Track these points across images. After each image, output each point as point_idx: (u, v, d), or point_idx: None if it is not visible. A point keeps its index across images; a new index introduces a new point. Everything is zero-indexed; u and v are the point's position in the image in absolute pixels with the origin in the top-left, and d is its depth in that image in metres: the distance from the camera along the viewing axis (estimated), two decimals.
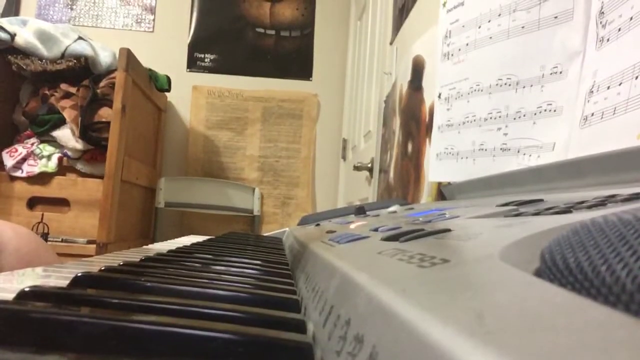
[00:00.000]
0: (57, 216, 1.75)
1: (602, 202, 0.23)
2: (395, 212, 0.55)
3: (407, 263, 0.16)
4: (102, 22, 2.43)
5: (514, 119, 0.60)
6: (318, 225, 0.68)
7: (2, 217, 1.56)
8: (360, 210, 0.64)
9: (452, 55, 0.73)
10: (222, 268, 0.33)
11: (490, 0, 0.65)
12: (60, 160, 1.78)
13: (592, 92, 0.47)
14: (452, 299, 0.10)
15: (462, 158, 0.68)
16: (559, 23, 0.55)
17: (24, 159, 1.78)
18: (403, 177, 1.13)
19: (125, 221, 1.83)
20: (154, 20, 2.45)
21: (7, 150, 1.82)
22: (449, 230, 0.22)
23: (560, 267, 0.11)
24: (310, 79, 2.48)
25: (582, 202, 0.24)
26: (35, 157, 1.79)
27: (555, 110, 0.54)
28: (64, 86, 1.79)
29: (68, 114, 1.74)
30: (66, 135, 1.76)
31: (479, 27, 0.67)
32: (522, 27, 0.60)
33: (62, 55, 1.77)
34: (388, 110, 1.41)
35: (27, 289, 0.19)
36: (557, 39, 0.55)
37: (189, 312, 0.18)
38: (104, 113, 1.74)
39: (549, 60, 0.56)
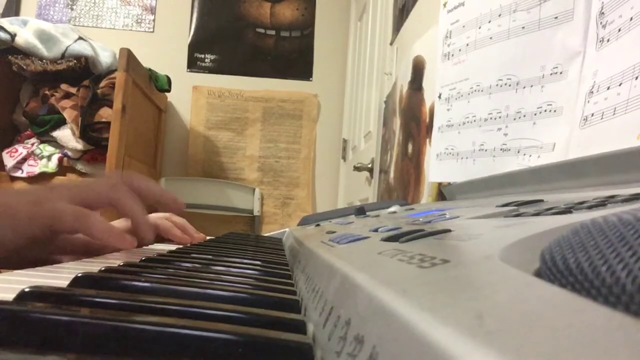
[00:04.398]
0: None
1: (602, 203, 0.23)
2: (395, 212, 0.55)
3: (407, 263, 0.16)
4: (102, 22, 2.43)
5: (514, 119, 0.60)
6: (318, 225, 0.68)
7: None
8: (361, 211, 0.64)
9: (452, 55, 0.73)
10: (222, 268, 0.33)
11: (490, 1, 0.65)
12: (60, 160, 1.78)
13: (592, 92, 0.47)
14: (452, 300, 0.10)
15: (462, 158, 0.68)
16: (559, 23, 0.55)
17: (24, 159, 1.78)
18: (403, 178, 1.13)
19: None
20: (154, 20, 2.45)
21: (7, 150, 1.82)
22: (449, 230, 0.22)
23: (561, 268, 0.11)
24: (310, 79, 2.48)
25: (582, 203, 0.24)
26: (36, 157, 1.79)
27: (555, 111, 0.54)
28: (64, 86, 1.79)
29: (68, 114, 1.74)
30: (66, 135, 1.76)
31: (479, 28, 0.67)
32: (523, 27, 0.60)
33: (63, 56, 1.77)
34: (388, 110, 1.41)
35: (27, 289, 0.19)
36: (557, 39, 0.55)
37: (189, 313, 0.18)
38: (104, 113, 1.74)
39: (549, 60, 0.56)
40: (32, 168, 1.77)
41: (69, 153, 1.78)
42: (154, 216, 0.62)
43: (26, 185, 1.76)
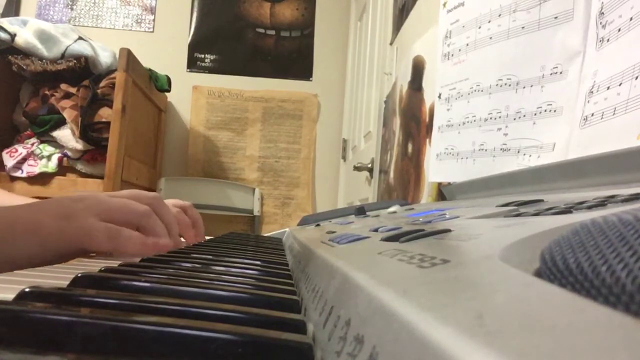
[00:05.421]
0: None
1: (602, 203, 0.23)
2: (395, 212, 0.55)
3: (407, 263, 0.16)
4: (102, 22, 2.43)
5: (514, 119, 0.60)
6: (318, 225, 0.68)
7: None
8: (361, 211, 0.64)
9: (452, 55, 0.73)
10: (222, 268, 0.33)
11: (490, 1, 0.65)
12: (60, 160, 1.78)
13: (592, 92, 0.47)
14: (453, 300, 0.10)
15: (462, 158, 0.68)
16: (559, 23, 0.55)
17: (24, 159, 1.78)
18: (403, 178, 1.13)
19: None
20: (154, 20, 2.45)
21: (7, 150, 1.82)
22: (449, 230, 0.22)
23: (560, 268, 0.11)
24: (310, 79, 2.48)
25: (582, 203, 0.24)
26: (36, 157, 1.79)
27: (555, 111, 0.54)
28: (64, 86, 1.79)
29: (68, 114, 1.74)
30: (66, 135, 1.76)
31: (479, 28, 0.67)
32: (522, 27, 0.60)
33: (62, 56, 1.77)
34: (388, 110, 1.41)
35: (27, 289, 0.19)
36: (557, 39, 0.55)
37: (189, 313, 0.18)
38: (104, 113, 1.74)
39: (549, 60, 0.56)
40: (32, 168, 1.77)
41: (69, 153, 1.78)
42: (171, 202, 0.61)
43: (26, 185, 1.76)
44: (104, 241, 0.39)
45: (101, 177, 1.72)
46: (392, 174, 1.26)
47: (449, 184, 0.71)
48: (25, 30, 1.74)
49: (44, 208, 0.40)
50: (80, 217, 0.39)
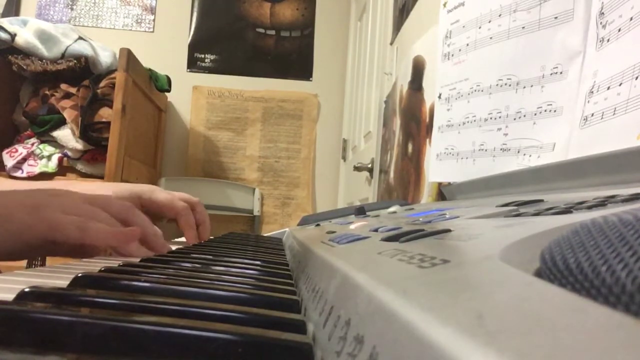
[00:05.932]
0: None
1: (602, 203, 0.23)
2: (395, 212, 0.55)
3: (407, 263, 0.16)
4: (102, 22, 2.43)
5: (514, 119, 0.60)
6: (318, 225, 0.68)
7: None
8: (361, 211, 0.64)
9: (452, 55, 0.73)
10: (222, 268, 0.33)
11: (490, 1, 0.65)
12: (60, 160, 1.78)
13: (592, 92, 0.47)
14: (453, 300, 0.10)
15: (462, 158, 0.68)
16: (559, 23, 0.55)
17: (24, 159, 1.78)
18: (403, 178, 1.13)
19: None
20: (154, 20, 2.45)
21: (7, 150, 1.82)
22: (449, 230, 0.22)
23: (560, 268, 0.11)
24: (310, 79, 2.48)
25: (582, 203, 0.24)
26: (36, 157, 1.79)
27: (555, 111, 0.54)
28: (64, 86, 1.79)
29: (68, 114, 1.74)
30: (66, 135, 1.76)
31: (480, 28, 0.67)
32: (523, 27, 0.60)
33: (63, 56, 1.77)
34: (388, 110, 1.41)
35: (27, 289, 0.19)
36: (557, 39, 0.55)
37: (189, 313, 0.18)
38: (104, 113, 1.74)
39: (549, 60, 0.56)
40: (32, 168, 1.77)
41: (69, 153, 1.78)
42: (180, 196, 0.60)
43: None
44: (73, 231, 0.39)
45: (101, 177, 1.72)
46: (392, 174, 1.26)
47: (449, 184, 0.71)
48: (25, 30, 1.74)
49: (13, 198, 0.39)
50: (48, 210, 0.39)
